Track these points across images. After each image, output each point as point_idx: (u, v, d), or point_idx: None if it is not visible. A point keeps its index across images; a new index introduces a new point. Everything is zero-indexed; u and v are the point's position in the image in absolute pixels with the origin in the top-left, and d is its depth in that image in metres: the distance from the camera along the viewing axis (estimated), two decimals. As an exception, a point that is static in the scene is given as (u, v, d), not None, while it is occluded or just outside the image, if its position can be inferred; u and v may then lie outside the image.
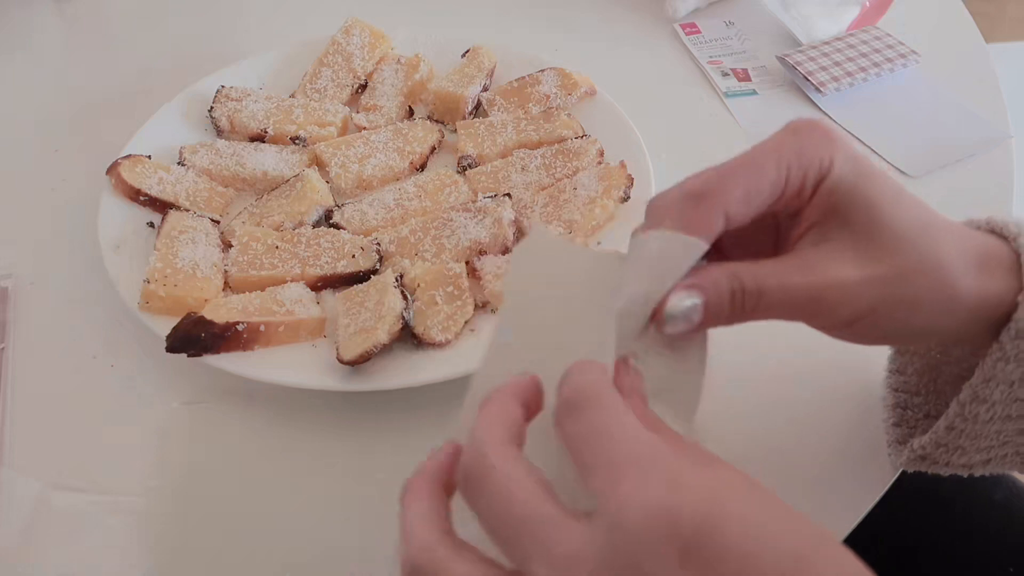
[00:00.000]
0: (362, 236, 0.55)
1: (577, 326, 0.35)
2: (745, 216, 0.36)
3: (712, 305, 0.35)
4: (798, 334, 0.53)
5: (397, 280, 0.51)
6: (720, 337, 0.50)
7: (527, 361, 0.32)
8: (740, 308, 0.36)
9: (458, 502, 0.29)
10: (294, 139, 0.62)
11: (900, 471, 0.45)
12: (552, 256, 0.36)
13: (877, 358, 0.51)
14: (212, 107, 0.64)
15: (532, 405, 0.31)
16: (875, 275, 0.36)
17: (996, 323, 0.38)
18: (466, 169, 0.61)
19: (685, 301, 0.35)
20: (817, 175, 0.36)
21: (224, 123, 0.63)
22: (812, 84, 0.68)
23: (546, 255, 0.36)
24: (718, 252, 0.37)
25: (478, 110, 0.66)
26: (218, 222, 0.57)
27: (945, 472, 0.44)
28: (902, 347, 0.46)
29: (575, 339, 0.34)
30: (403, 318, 0.48)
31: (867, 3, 0.74)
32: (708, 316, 0.36)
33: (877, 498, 0.44)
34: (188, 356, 0.47)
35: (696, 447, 0.29)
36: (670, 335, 0.35)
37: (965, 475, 0.43)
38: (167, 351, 0.47)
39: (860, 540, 0.44)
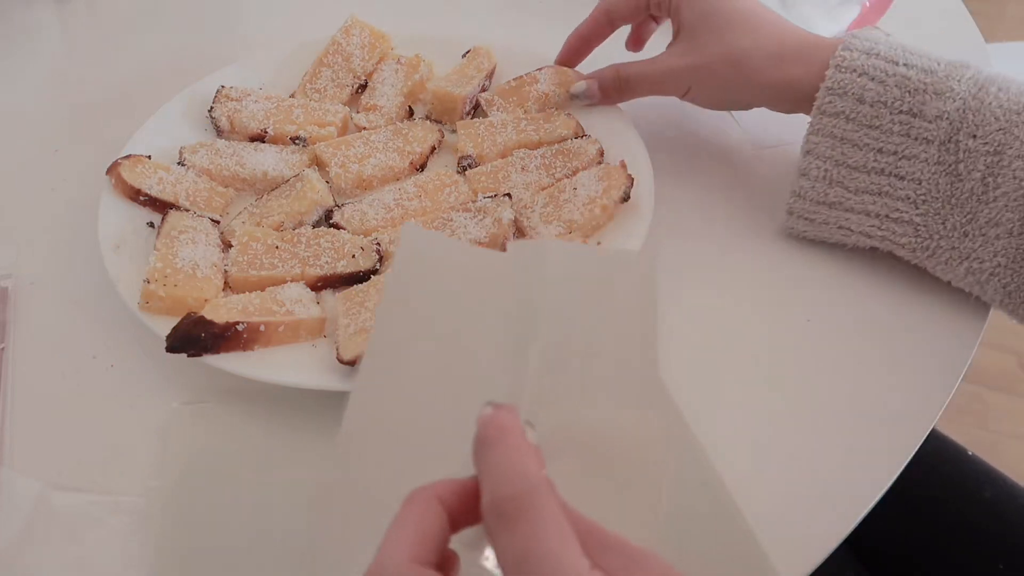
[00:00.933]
0: (362, 236, 0.55)
1: (468, 336, 0.32)
2: (623, 14, 0.62)
3: (603, 86, 0.61)
4: (795, 347, 0.53)
5: (397, 280, 0.51)
6: (716, 349, 0.50)
7: (413, 377, 0.30)
8: (621, 87, 0.61)
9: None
10: (294, 139, 0.62)
11: (898, 474, 0.45)
12: (435, 261, 0.33)
13: (875, 369, 0.51)
14: (212, 107, 0.64)
15: (463, 514, 0.28)
16: (688, 64, 0.57)
17: (799, 105, 0.55)
18: (466, 169, 0.61)
19: (583, 85, 0.62)
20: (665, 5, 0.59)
21: (224, 123, 0.63)
22: (812, 84, 0.68)
23: (428, 260, 0.33)
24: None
25: (477, 110, 0.66)
26: (218, 222, 0.57)
27: (812, 234, 0.56)
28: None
29: (467, 354, 0.32)
30: (403, 318, 0.48)
31: (867, 3, 0.74)
32: (603, 92, 0.61)
33: (874, 502, 0.44)
34: (188, 356, 0.47)
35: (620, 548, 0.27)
36: (580, 104, 0.62)
37: (832, 239, 0.55)
38: (167, 351, 0.47)
39: (854, 539, 0.45)
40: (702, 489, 0.44)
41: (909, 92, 0.50)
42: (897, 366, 0.50)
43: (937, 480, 0.62)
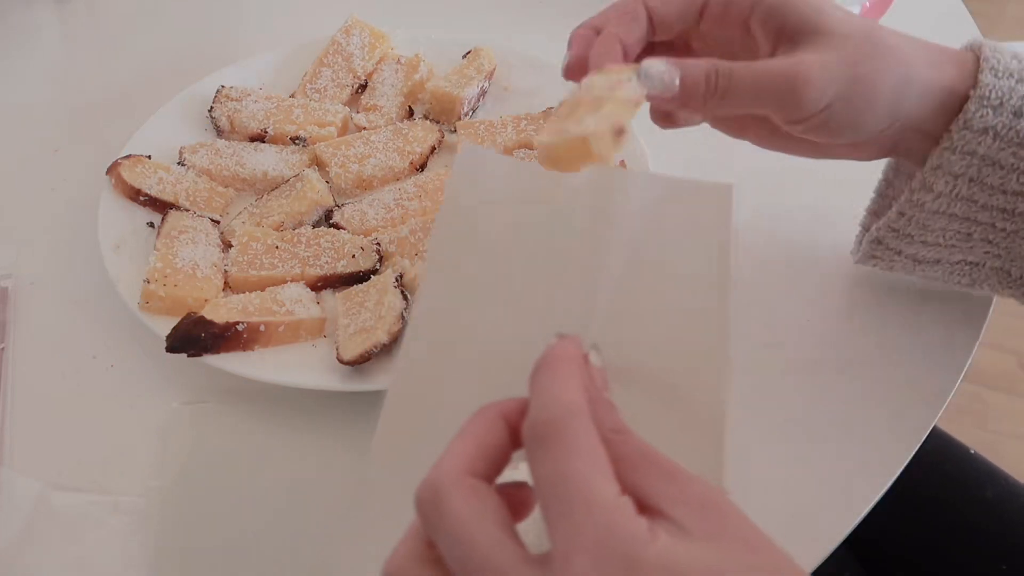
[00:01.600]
0: (362, 236, 0.55)
1: (532, 265, 0.31)
2: (666, 14, 0.43)
3: (688, 80, 0.40)
4: (795, 347, 0.53)
5: (397, 280, 0.51)
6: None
7: (469, 327, 0.30)
8: (715, 88, 0.40)
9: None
10: (294, 139, 0.62)
11: (898, 474, 0.45)
12: (491, 184, 0.32)
13: (875, 369, 0.51)
14: (212, 107, 0.64)
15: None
16: (838, 57, 0.41)
17: (949, 116, 0.43)
18: (466, 169, 0.61)
19: (662, 66, 0.40)
20: (745, 3, 0.43)
21: (224, 123, 0.63)
22: (812, 84, 0.68)
23: (484, 184, 0.32)
24: None
25: (475, 112, 0.66)
26: (218, 222, 0.57)
27: (895, 265, 0.49)
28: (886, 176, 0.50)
29: (529, 294, 0.31)
30: (403, 318, 0.48)
31: (867, 3, 0.74)
32: (685, 90, 0.40)
33: (874, 502, 0.44)
34: (188, 356, 0.48)
35: (667, 476, 0.26)
36: (648, 93, 0.39)
37: (913, 272, 0.49)
38: (167, 351, 0.47)
39: (854, 539, 0.45)
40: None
41: None
42: (897, 366, 0.50)
43: (938, 480, 0.62)
